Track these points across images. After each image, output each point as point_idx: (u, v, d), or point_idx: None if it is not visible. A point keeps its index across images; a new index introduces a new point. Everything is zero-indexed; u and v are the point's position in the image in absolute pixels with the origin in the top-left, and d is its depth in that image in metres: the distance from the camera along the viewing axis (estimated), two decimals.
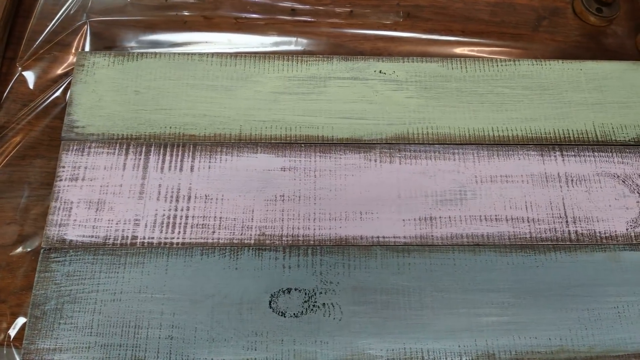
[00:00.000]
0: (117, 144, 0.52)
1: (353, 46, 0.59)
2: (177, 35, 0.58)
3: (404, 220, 0.50)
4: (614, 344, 0.46)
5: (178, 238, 0.48)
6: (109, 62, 0.55)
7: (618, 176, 0.52)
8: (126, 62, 0.55)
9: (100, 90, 0.54)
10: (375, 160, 0.52)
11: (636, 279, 0.48)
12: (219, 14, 0.58)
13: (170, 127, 0.52)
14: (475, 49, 0.59)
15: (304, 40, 0.59)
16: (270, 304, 0.47)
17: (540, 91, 0.56)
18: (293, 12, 0.60)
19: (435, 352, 0.46)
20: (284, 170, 0.51)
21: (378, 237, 0.49)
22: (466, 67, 0.56)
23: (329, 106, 0.54)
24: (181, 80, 0.55)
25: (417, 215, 0.50)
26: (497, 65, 0.57)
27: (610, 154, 0.53)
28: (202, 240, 0.48)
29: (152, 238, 0.48)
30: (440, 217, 0.50)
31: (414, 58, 0.56)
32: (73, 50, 0.58)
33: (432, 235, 0.49)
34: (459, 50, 0.59)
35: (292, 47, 0.58)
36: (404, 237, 0.49)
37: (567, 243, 0.50)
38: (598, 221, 0.50)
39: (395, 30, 0.59)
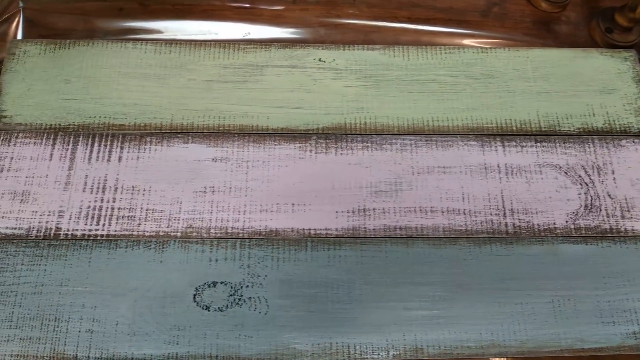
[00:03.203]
0: (45, 134, 0.50)
1: (295, 33, 0.57)
2: (113, 23, 0.56)
3: (337, 212, 0.49)
4: (547, 339, 0.45)
5: (103, 230, 0.47)
6: (40, 50, 0.54)
7: (560, 167, 0.51)
8: (58, 51, 0.54)
9: (30, 79, 0.52)
10: (311, 151, 0.51)
11: (573, 273, 0.47)
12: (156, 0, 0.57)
13: (100, 117, 0.51)
14: (422, 37, 0.58)
15: (247, 27, 0.57)
16: (194, 297, 0.46)
17: (484, 80, 0.54)
18: None
19: (361, 346, 0.44)
20: (215, 161, 0.50)
21: (309, 229, 0.48)
22: (409, 56, 0.55)
23: (265, 95, 0.53)
24: (113, 68, 0.53)
25: (350, 207, 0.49)
26: (441, 54, 0.55)
27: (554, 144, 0.52)
28: (128, 233, 0.47)
29: (76, 230, 0.47)
30: (374, 209, 0.49)
31: (355, 46, 0.55)
32: (9, 39, 0.56)
33: (364, 228, 0.48)
34: (404, 38, 0.57)
35: (231, 36, 0.57)
36: (336, 229, 0.48)
37: (504, 236, 0.48)
38: (537, 213, 0.49)
39: (338, 17, 0.58)
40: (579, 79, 0.55)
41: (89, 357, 0.43)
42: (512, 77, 0.54)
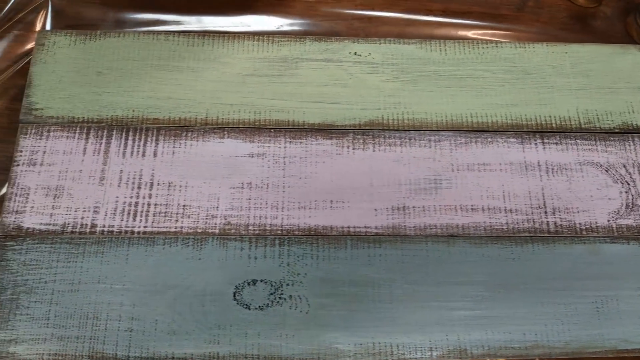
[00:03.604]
0: (77, 128, 0.49)
1: (328, 26, 0.56)
2: (143, 14, 0.55)
3: (375, 209, 0.48)
4: (591, 339, 0.45)
5: (139, 226, 0.46)
6: (70, 41, 0.52)
7: (601, 165, 0.50)
8: (88, 42, 0.52)
9: (61, 70, 0.51)
10: (348, 147, 0.50)
11: (616, 273, 0.47)
12: None
13: (133, 110, 0.50)
14: (457, 31, 0.57)
15: (277, 20, 0.56)
16: (234, 296, 0.45)
17: (523, 75, 0.53)
18: None
19: (404, 346, 0.44)
20: (252, 157, 0.49)
21: (348, 227, 0.47)
22: (445, 50, 0.54)
23: (300, 89, 0.52)
24: (146, 61, 0.52)
25: (389, 204, 0.48)
26: (479, 48, 0.54)
27: (594, 142, 0.51)
28: (165, 229, 0.46)
29: (112, 226, 0.46)
30: (413, 207, 0.48)
31: (391, 39, 0.54)
32: (36, 29, 0.55)
33: (404, 226, 0.47)
34: (439, 31, 0.56)
35: (264, 27, 0.55)
36: (376, 227, 0.47)
37: (546, 235, 0.48)
38: (578, 212, 0.49)
39: (372, 10, 0.57)
40: (618, 76, 0.54)
41: (128, 356, 0.43)
42: (551, 72, 0.53)
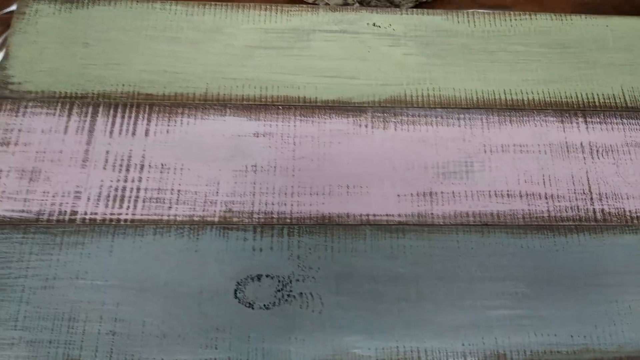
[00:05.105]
0: (59, 104, 0.43)
1: None
2: None
3: (398, 195, 0.42)
4: None
5: (127, 214, 0.40)
6: (54, 9, 0.47)
7: None
8: (75, 10, 0.47)
9: (43, 41, 0.46)
10: (367, 126, 0.44)
11: None
12: None
13: (124, 85, 0.44)
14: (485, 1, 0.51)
15: None
16: (236, 293, 0.38)
17: (561, 50, 0.48)
18: None
19: (434, 352, 0.37)
20: (257, 136, 0.43)
21: (368, 215, 0.41)
22: (474, 22, 0.48)
23: (313, 63, 0.46)
24: (139, 31, 0.46)
25: (414, 190, 0.42)
26: (511, 20, 0.49)
27: None
28: (156, 217, 0.40)
29: (96, 214, 0.40)
30: (442, 193, 0.42)
31: (414, 10, 0.48)
32: None
33: (432, 214, 0.41)
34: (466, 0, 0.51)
35: None
36: (399, 215, 0.41)
37: (592, 223, 0.42)
38: (628, 198, 0.43)
39: None
40: None
41: None
42: (591, 47, 0.48)
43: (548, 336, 0.38)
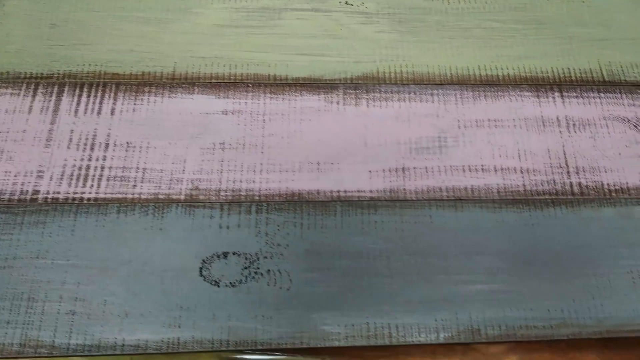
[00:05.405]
0: (24, 84, 0.43)
1: None
2: None
3: (370, 171, 0.41)
4: (628, 316, 0.37)
5: (90, 193, 0.39)
6: None
7: (629, 120, 0.43)
8: None
9: (9, 23, 0.45)
10: (338, 103, 0.43)
11: None
12: None
13: (90, 65, 0.43)
14: None
15: None
16: (201, 271, 0.37)
17: (537, 26, 0.47)
18: None
19: (405, 328, 0.36)
20: (226, 114, 0.42)
21: (339, 191, 0.40)
22: None
23: (284, 41, 0.45)
24: (107, 12, 0.46)
25: (386, 165, 0.41)
26: None
27: (619, 95, 0.44)
28: (120, 196, 0.39)
29: (58, 193, 0.39)
30: (414, 168, 0.41)
31: None
32: None
33: (404, 189, 0.40)
34: None
35: None
36: (370, 191, 0.40)
37: (569, 197, 0.40)
38: (606, 172, 0.41)
39: None
40: None
41: (69, 343, 0.35)
42: (568, 23, 0.47)
43: (524, 311, 0.37)
